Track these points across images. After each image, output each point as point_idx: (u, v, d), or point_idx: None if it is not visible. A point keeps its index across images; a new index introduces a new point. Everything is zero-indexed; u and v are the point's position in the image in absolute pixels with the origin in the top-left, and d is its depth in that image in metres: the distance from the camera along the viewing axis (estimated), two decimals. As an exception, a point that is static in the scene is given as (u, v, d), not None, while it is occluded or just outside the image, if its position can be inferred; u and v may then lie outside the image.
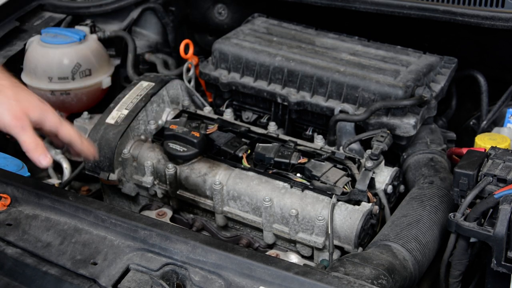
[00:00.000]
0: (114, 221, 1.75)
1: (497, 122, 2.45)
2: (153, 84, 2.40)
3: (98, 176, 2.28)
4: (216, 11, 3.09)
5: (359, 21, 2.74)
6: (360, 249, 1.96)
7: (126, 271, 1.65)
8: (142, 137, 2.31)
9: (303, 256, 2.06)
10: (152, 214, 2.21)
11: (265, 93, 2.45)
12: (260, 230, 2.10)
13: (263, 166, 2.15)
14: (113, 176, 2.25)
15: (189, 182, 2.18)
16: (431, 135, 2.34)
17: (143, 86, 2.40)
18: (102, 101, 2.82)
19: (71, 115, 2.78)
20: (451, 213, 1.77)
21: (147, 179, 2.21)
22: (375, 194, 2.06)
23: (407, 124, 2.24)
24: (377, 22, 2.69)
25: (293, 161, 2.13)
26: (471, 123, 2.60)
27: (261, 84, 2.46)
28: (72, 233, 1.77)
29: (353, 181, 2.06)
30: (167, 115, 2.40)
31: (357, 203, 2.00)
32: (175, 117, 2.38)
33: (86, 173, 2.33)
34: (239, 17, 2.98)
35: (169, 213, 2.22)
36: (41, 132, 1.81)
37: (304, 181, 2.08)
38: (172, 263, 1.64)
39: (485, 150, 1.93)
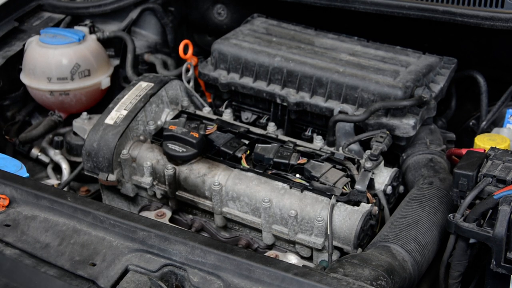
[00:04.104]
0: (113, 222, 1.74)
1: (497, 122, 2.45)
2: (152, 84, 2.40)
3: (97, 177, 2.28)
4: (216, 11, 3.09)
5: (359, 21, 2.74)
6: (360, 250, 1.96)
7: (125, 272, 1.65)
8: (141, 137, 2.31)
9: (302, 257, 2.06)
10: (151, 214, 2.21)
11: (264, 93, 2.45)
12: (260, 231, 2.10)
13: (262, 167, 2.15)
14: (112, 177, 2.25)
15: (188, 183, 2.18)
16: (430, 136, 2.34)
17: (142, 86, 2.39)
18: (101, 102, 2.83)
19: (70, 116, 2.78)
20: (451, 214, 1.77)
21: (146, 180, 2.21)
22: (375, 195, 2.06)
23: (406, 125, 2.23)
24: (376, 22, 2.69)
25: (292, 162, 2.13)
26: (471, 123, 2.60)
27: (260, 85, 2.46)
28: (71, 234, 1.77)
29: (353, 182, 2.06)
30: (166, 115, 2.39)
31: (357, 203, 2.00)
32: (174, 118, 2.38)
33: (85, 174, 2.33)
34: (239, 17, 2.98)
35: (168, 213, 2.22)
36: None
37: (304, 182, 2.07)
38: (171, 264, 1.64)
39: (484, 150, 1.92)
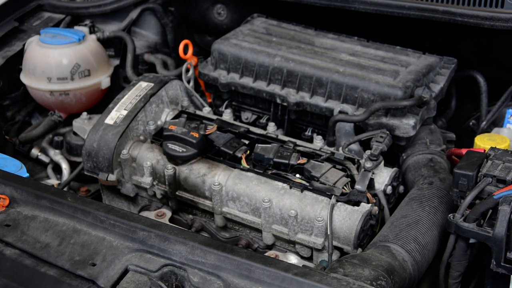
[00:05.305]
0: (113, 222, 1.74)
1: (497, 122, 2.45)
2: (152, 84, 2.40)
3: (97, 177, 2.28)
4: (216, 11, 3.09)
5: (359, 21, 2.74)
6: (360, 250, 1.96)
7: (125, 272, 1.65)
8: (141, 137, 2.31)
9: (302, 257, 2.06)
10: (151, 214, 2.21)
11: (264, 93, 2.45)
12: (260, 231, 2.10)
13: (262, 167, 2.15)
14: (112, 177, 2.25)
15: (188, 183, 2.17)
16: (430, 136, 2.34)
17: (142, 86, 2.39)
18: (101, 102, 2.82)
19: (70, 116, 2.78)
20: (451, 214, 1.76)
21: (146, 180, 2.21)
22: (375, 195, 2.06)
23: (406, 125, 2.23)
24: (376, 22, 2.69)
25: (292, 162, 2.13)
26: (471, 123, 2.60)
27: (260, 85, 2.46)
28: (71, 234, 1.77)
29: (353, 182, 2.06)
30: (166, 115, 2.39)
31: (357, 203, 2.00)
32: (174, 118, 2.38)
33: (85, 174, 2.33)
34: (239, 17, 2.98)
35: (168, 213, 2.21)
36: None
37: (304, 182, 2.07)
38: (171, 264, 1.64)
39: (484, 150, 1.92)
